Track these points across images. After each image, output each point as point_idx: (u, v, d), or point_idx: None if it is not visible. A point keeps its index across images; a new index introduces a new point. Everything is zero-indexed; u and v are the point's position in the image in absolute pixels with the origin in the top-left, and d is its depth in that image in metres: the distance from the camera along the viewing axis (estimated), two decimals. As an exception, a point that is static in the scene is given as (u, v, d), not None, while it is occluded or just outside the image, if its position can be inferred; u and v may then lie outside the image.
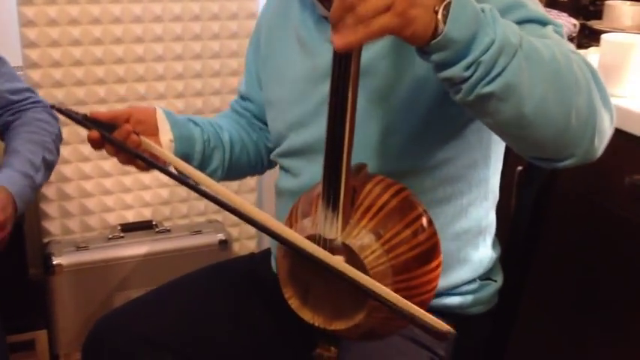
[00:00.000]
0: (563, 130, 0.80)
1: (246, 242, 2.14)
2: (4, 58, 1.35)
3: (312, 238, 0.85)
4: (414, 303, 0.85)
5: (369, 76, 0.97)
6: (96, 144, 1.01)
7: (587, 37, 1.68)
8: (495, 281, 1.13)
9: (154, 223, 1.94)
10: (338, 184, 0.82)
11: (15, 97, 1.34)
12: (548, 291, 1.43)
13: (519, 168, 1.24)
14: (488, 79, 0.75)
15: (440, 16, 0.73)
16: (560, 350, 1.43)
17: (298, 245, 0.83)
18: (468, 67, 0.75)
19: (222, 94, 1.97)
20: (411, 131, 0.98)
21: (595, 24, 1.69)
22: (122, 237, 1.89)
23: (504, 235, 1.20)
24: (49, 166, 1.29)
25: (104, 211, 1.93)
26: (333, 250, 0.84)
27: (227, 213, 2.06)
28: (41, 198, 1.83)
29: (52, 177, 1.54)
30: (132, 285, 1.86)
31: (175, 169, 1.00)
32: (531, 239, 1.20)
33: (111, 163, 1.89)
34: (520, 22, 0.87)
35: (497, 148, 1.08)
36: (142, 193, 1.96)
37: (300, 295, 0.90)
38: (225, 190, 0.90)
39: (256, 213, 0.86)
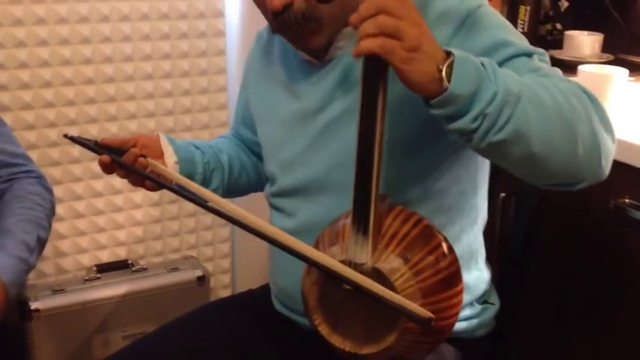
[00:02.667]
0: (572, 160, 0.87)
1: (221, 277, 2.14)
2: (4, 120, 1.33)
3: (342, 263, 0.87)
4: (442, 326, 0.89)
5: None
6: (106, 167, 1.09)
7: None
8: (493, 304, 1.18)
9: (129, 262, 1.92)
10: (368, 209, 0.86)
11: (7, 159, 1.31)
12: (540, 313, 1.48)
13: (502, 195, 1.29)
14: (496, 128, 0.81)
15: (443, 74, 0.80)
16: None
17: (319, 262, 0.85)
18: (474, 120, 0.81)
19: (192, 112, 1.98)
20: (402, 168, 1.03)
21: (556, 54, 1.78)
22: (99, 278, 1.85)
23: (494, 260, 1.24)
24: (42, 245, 1.27)
25: (78, 252, 1.90)
26: (363, 275, 0.86)
27: (202, 248, 2.08)
28: (14, 242, 1.79)
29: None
30: (111, 327, 1.83)
31: (182, 187, 1.04)
32: (524, 263, 1.25)
33: (84, 204, 1.88)
34: (509, 59, 0.93)
35: (484, 176, 1.13)
36: (115, 232, 1.94)
37: (330, 321, 0.92)
38: (237, 207, 0.92)
39: (267, 227, 0.89)
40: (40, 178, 1.35)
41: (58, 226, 1.85)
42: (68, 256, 1.89)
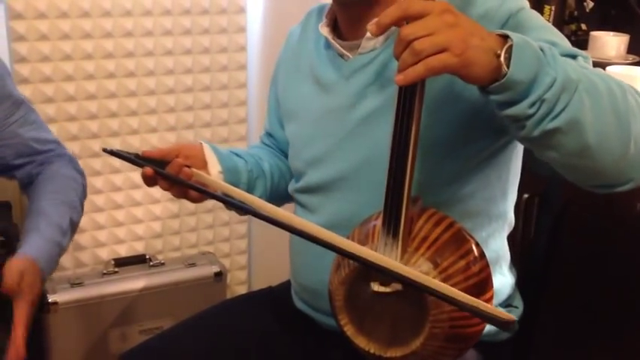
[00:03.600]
0: (623, 156, 0.84)
1: (238, 273, 2.14)
2: (33, 107, 1.33)
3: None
4: (470, 332, 0.88)
5: None
6: (149, 180, 1.04)
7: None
8: (517, 308, 1.16)
9: (147, 257, 1.92)
10: (399, 212, 0.85)
11: (39, 147, 1.30)
12: (564, 317, 1.46)
13: (525, 195, 1.28)
14: (552, 115, 0.79)
15: (502, 59, 0.78)
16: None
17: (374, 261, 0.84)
18: (532, 105, 0.79)
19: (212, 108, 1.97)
20: (432, 169, 1.01)
21: (581, 54, 1.76)
22: (116, 272, 1.86)
23: (516, 262, 1.23)
24: (74, 228, 1.26)
25: (97, 246, 1.90)
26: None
27: (219, 244, 2.08)
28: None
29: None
30: (128, 321, 1.83)
31: (229, 195, 1.01)
32: (548, 266, 1.24)
33: (103, 198, 1.88)
34: None
35: (514, 181, 1.12)
36: (133, 227, 1.94)
37: (356, 322, 0.91)
38: (284, 211, 0.91)
39: (321, 232, 0.87)
40: (72, 161, 1.34)
41: (77, 220, 1.85)
42: (87, 249, 1.89)
